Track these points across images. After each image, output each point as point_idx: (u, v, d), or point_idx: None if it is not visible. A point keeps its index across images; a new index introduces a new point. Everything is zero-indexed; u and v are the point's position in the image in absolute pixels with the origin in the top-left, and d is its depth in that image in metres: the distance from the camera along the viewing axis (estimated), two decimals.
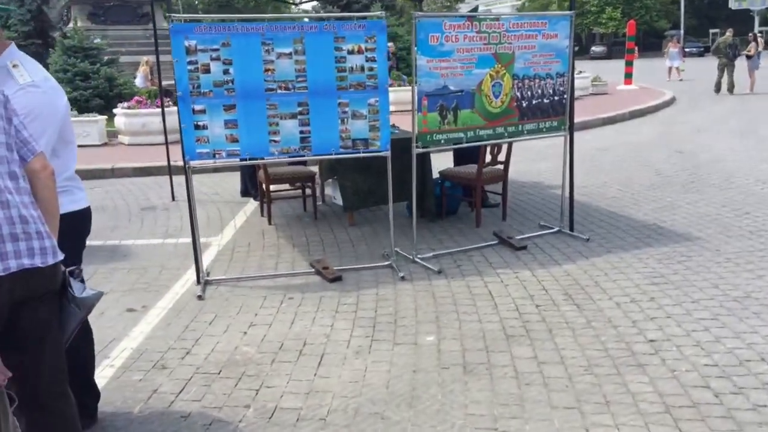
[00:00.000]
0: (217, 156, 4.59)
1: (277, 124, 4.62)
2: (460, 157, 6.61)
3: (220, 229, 6.19)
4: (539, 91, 5.37)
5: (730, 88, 17.98)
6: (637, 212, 6.29)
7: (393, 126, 6.16)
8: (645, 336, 3.65)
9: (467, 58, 4.96)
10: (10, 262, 1.95)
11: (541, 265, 4.91)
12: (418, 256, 5.07)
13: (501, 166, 6.13)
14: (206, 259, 5.27)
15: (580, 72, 16.60)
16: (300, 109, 4.63)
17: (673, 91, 18.56)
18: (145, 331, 3.95)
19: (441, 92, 4.91)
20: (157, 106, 9.98)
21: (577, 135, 6.18)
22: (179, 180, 6.13)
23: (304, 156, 4.79)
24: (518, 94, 5.27)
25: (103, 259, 5.32)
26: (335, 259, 5.16)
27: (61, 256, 2.12)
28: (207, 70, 4.43)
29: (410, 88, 4.85)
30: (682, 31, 49.03)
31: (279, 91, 4.57)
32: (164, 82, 7.80)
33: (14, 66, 2.41)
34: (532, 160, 9.15)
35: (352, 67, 4.66)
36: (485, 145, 5.58)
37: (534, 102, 5.37)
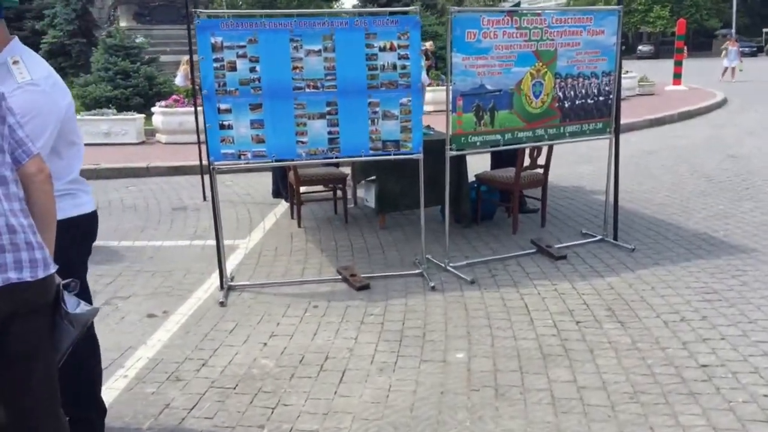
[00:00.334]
0: (242, 157, 4.42)
1: (305, 125, 4.43)
2: (498, 159, 6.32)
3: (249, 232, 6.04)
4: (583, 91, 5.05)
5: None
6: (687, 221, 5.91)
7: (427, 127, 5.93)
8: (696, 360, 3.33)
9: (506, 55, 4.68)
10: None
11: (581, 276, 4.61)
12: (451, 264, 4.82)
13: (541, 170, 5.83)
14: (232, 263, 5.12)
15: (627, 72, 16.03)
16: (329, 108, 4.43)
17: (724, 92, 17.80)
18: (163, 339, 3.80)
19: (477, 92, 4.65)
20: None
21: (622, 137, 5.85)
22: None
23: (332, 158, 4.58)
24: (560, 94, 4.97)
25: (130, 261, 5.22)
26: (364, 265, 4.95)
27: (53, 269, 1.96)
28: (233, 68, 4.27)
29: (450, 84, 4.60)
30: (733, 30, 47.32)
31: (307, 89, 4.37)
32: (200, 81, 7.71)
33: (15, 62, 2.25)
34: (574, 162, 8.78)
35: (383, 65, 4.43)
36: (524, 148, 5.29)
37: (577, 102, 5.06)
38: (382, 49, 4.40)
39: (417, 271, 4.74)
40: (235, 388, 3.20)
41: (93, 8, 22.64)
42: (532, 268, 4.81)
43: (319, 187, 6.52)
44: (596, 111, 5.16)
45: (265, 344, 3.68)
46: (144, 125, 11.88)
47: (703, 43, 52.27)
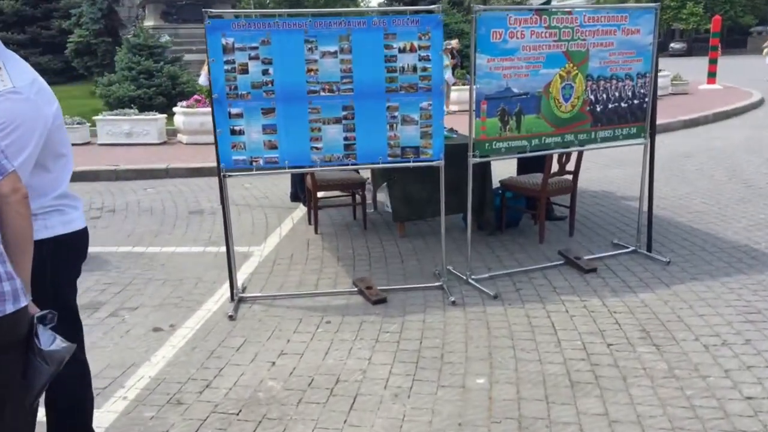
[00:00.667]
0: (254, 164, 4.22)
1: (320, 130, 4.21)
2: (525, 165, 6.03)
3: (264, 237, 5.85)
4: (616, 94, 4.75)
5: None
6: (726, 230, 5.57)
7: (451, 130, 5.67)
8: (741, 392, 3.04)
9: (534, 56, 4.41)
10: None
11: (613, 292, 4.32)
12: (473, 276, 4.56)
13: (569, 176, 5.54)
14: (245, 272, 4.93)
15: (661, 70, 15.52)
16: (345, 113, 4.20)
17: (761, 91, 17.17)
18: (168, 356, 3.61)
19: (502, 95, 4.38)
20: None
21: (656, 139, 5.52)
22: (230, 182, 5.83)
23: (347, 165, 4.36)
24: (592, 97, 4.67)
25: (141, 268, 5.07)
26: (381, 276, 4.72)
27: (24, 302, 1.77)
28: (245, 71, 4.07)
29: (473, 87, 4.34)
30: None
31: (322, 93, 4.15)
32: None
33: None
34: (604, 165, 8.44)
35: (403, 67, 4.18)
36: (552, 153, 5.01)
37: (610, 106, 4.76)
38: (402, 50, 4.16)
39: (437, 284, 4.49)
40: (238, 414, 3.00)
41: (122, 7, 22.78)
42: (559, 281, 4.54)
43: (337, 192, 6.31)
44: (630, 115, 4.86)
45: (274, 363, 3.48)
46: (166, 125, 11.80)
47: (737, 41, 50.94)
